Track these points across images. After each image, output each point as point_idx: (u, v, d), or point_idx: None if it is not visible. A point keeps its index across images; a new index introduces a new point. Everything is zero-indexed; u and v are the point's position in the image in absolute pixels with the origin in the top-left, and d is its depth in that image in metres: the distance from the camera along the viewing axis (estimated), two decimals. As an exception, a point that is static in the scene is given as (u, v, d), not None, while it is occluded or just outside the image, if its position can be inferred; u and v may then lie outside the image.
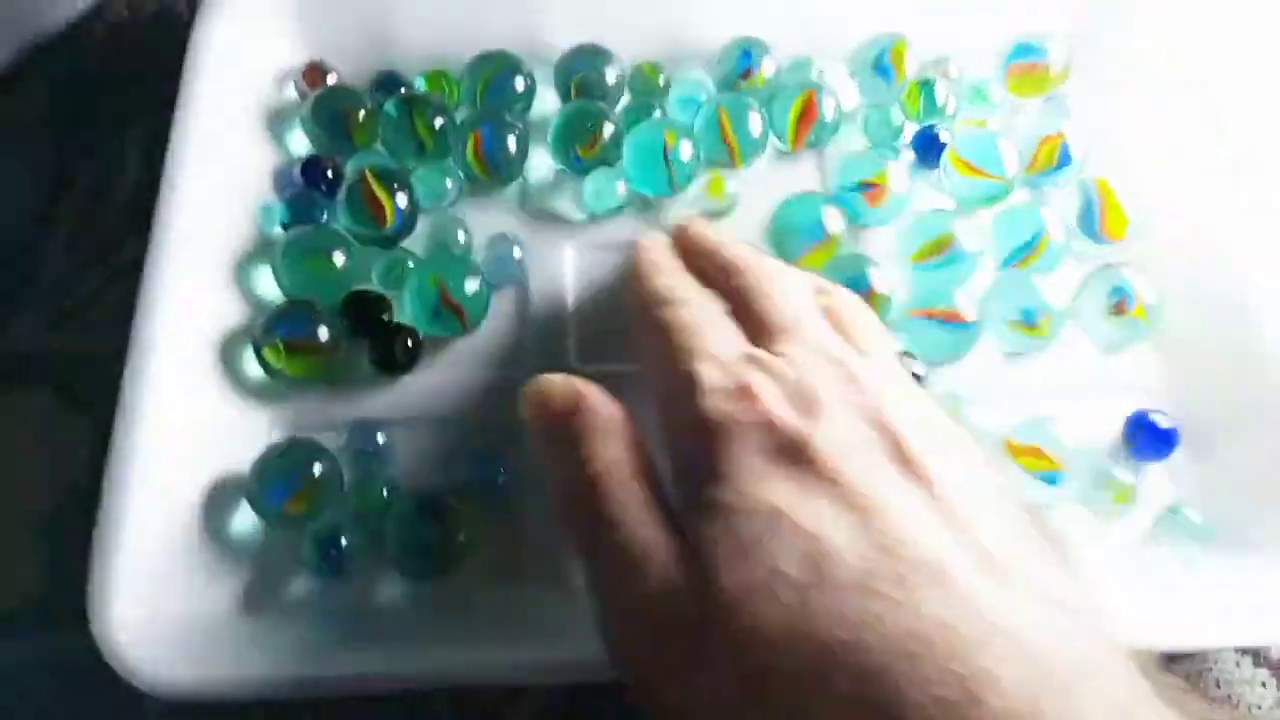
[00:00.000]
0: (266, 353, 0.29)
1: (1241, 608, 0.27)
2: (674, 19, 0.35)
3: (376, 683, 0.25)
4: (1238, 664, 0.28)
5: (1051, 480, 0.28)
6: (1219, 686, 0.28)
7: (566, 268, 0.32)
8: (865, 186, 0.31)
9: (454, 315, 0.30)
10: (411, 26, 0.34)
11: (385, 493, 0.28)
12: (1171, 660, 0.28)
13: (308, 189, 0.32)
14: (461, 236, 0.32)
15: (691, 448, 0.22)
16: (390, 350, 0.30)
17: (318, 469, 0.27)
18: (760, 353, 0.23)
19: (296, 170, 0.32)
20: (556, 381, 0.24)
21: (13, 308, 0.32)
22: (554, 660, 0.25)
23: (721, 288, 0.26)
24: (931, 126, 0.33)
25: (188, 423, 0.28)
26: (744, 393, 0.21)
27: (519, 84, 0.34)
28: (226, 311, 0.30)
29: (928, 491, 0.20)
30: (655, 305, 0.25)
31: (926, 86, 0.34)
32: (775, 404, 0.21)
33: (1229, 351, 0.30)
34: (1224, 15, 0.34)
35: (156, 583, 0.26)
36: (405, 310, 0.30)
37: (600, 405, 0.23)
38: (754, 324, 0.24)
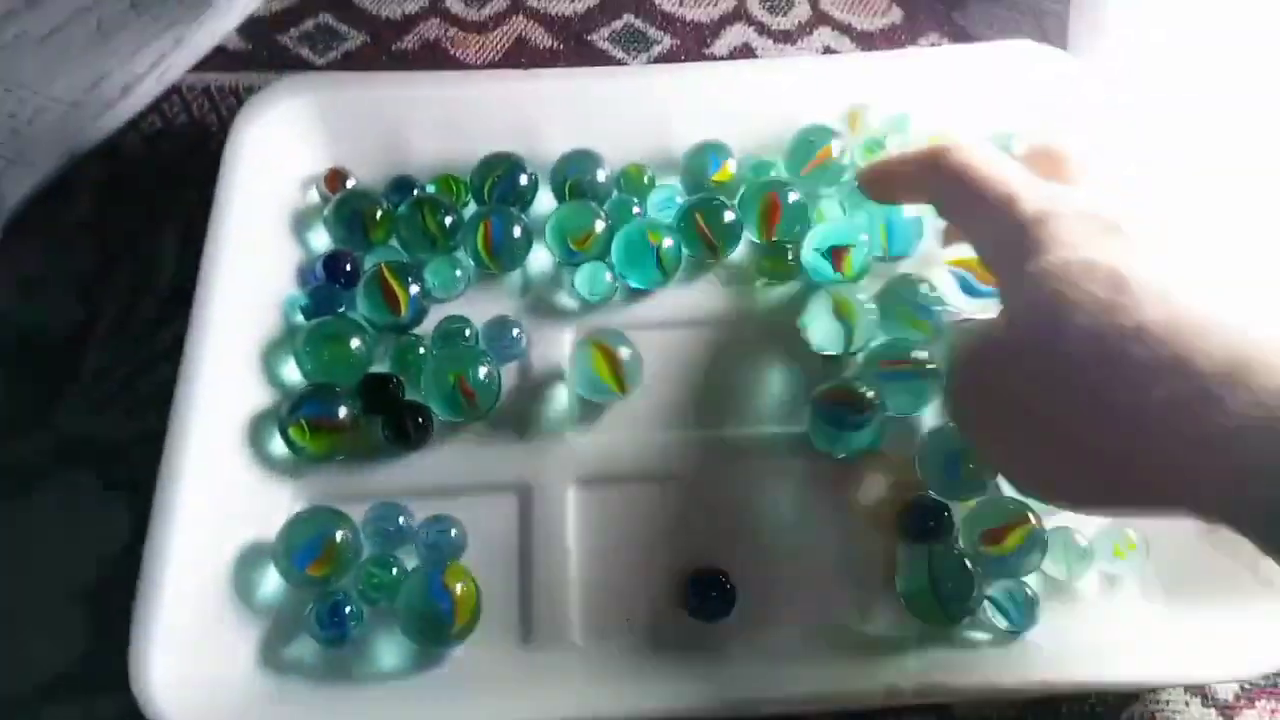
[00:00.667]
0: (292, 432, 0.32)
1: (1188, 648, 0.29)
2: (651, 127, 0.39)
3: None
4: (1186, 703, 0.31)
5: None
6: (1170, 725, 0.30)
7: (565, 350, 0.35)
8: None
9: (469, 401, 0.33)
10: (423, 135, 0.38)
11: (395, 571, 0.30)
12: (1124, 700, 0.30)
13: (328, 282, 0.35)
14: (468, 332, 0.35)
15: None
16: (404, 426, 0.32)
17: (339, 536, 0.30)
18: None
19: (319, 265, 0.35)
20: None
21: (58, 395, 0.35)
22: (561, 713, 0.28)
23: None
24: None
25: (219, 497, 0.30)
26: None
27: (523, 180, 0.37)
28: (254, 395, 0.33)
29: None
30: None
31: (875, 146, 0.38)
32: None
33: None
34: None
35: (191, 645, 0.28)
36: (424, 397, 0.33)
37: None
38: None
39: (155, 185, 0.40)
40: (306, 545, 0.30)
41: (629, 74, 0.41)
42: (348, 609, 0.29)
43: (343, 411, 0.32)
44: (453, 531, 0.31)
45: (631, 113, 0.38)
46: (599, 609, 0.31)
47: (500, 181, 0.37)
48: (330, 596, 0.30)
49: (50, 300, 0.37)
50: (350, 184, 0.37)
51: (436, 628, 0.29)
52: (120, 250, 0.38)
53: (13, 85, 0.41)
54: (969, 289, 0.35)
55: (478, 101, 0.38)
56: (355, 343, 0.33)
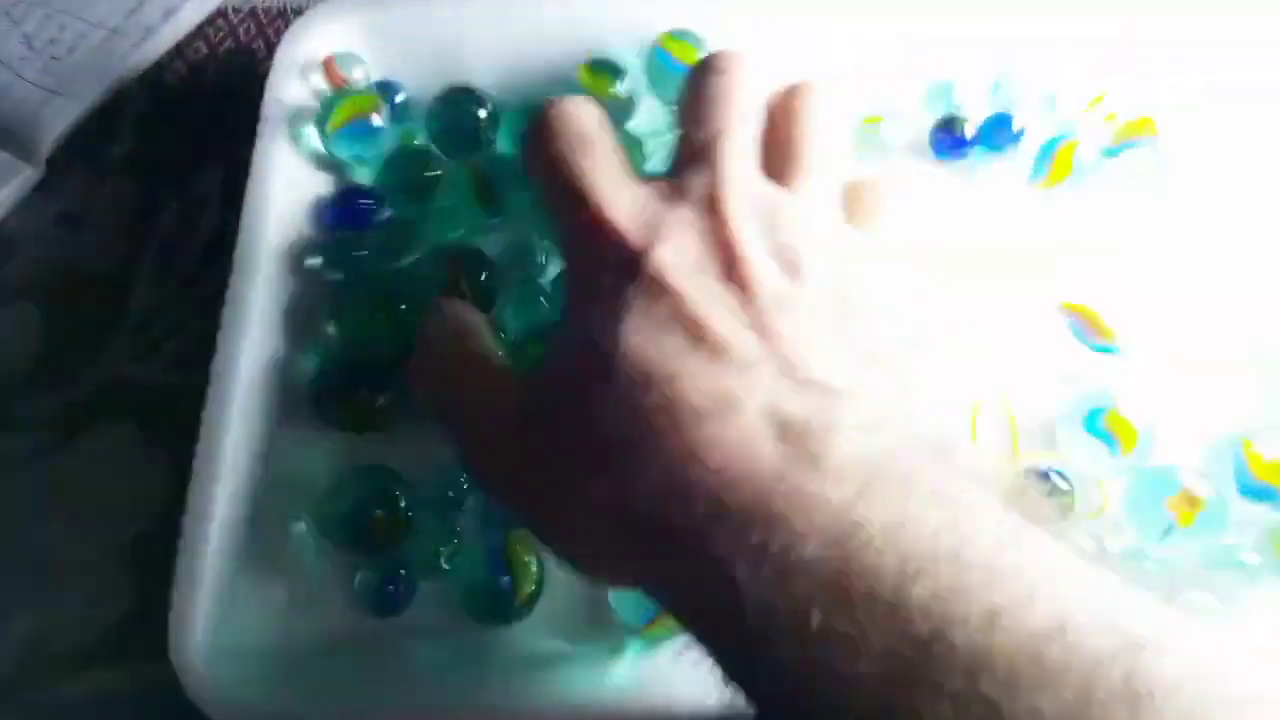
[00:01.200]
0: (335, 410, 0.29)
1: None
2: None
3: (446, 715, 0.25)
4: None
5: None
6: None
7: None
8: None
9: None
10: (482, 55, 0.34)
11: (456, 540, 0.28)
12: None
13: (340, 227, 0.31)
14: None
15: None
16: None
17: (390, 501, 0.27)
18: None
19: (328, 212, 0.32)
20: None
21: (100, 342, 0.33)
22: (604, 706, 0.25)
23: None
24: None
25: (264, 457, 0.28)
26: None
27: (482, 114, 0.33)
28: (301, 344, 0.30)
29: (740, 299, 0.21)
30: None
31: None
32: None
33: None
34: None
35: (234, 614, 0.26)
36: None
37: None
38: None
39: (200, 117, 0.37)
40: (353, 511, 0.27)
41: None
42: (400, 576, 0.27)
43: (381, 391, 0.29)
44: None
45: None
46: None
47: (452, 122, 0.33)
48: (383, 566, 0.27)
49: (93, 238, 0.35)
50: (400, 98, 0.34)
51: (496, 603, 0.27)
52: (164, 186, 0.36)
53: (52, 10, 0.38)
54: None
55: (540, 19, 0.34)
56: (393, 311, 0.30)
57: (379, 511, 0.27)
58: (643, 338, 0.20)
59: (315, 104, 0.33)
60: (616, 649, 0.26)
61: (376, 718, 0.25)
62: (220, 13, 0.40)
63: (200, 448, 0.27)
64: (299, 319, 0.31)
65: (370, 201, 0.31)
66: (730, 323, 0.21)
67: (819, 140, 0.25)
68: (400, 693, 0.25)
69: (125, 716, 0.28)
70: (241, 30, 0.40)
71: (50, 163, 0.36)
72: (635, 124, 0.34)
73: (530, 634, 0.27)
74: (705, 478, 0.19)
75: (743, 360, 0.20)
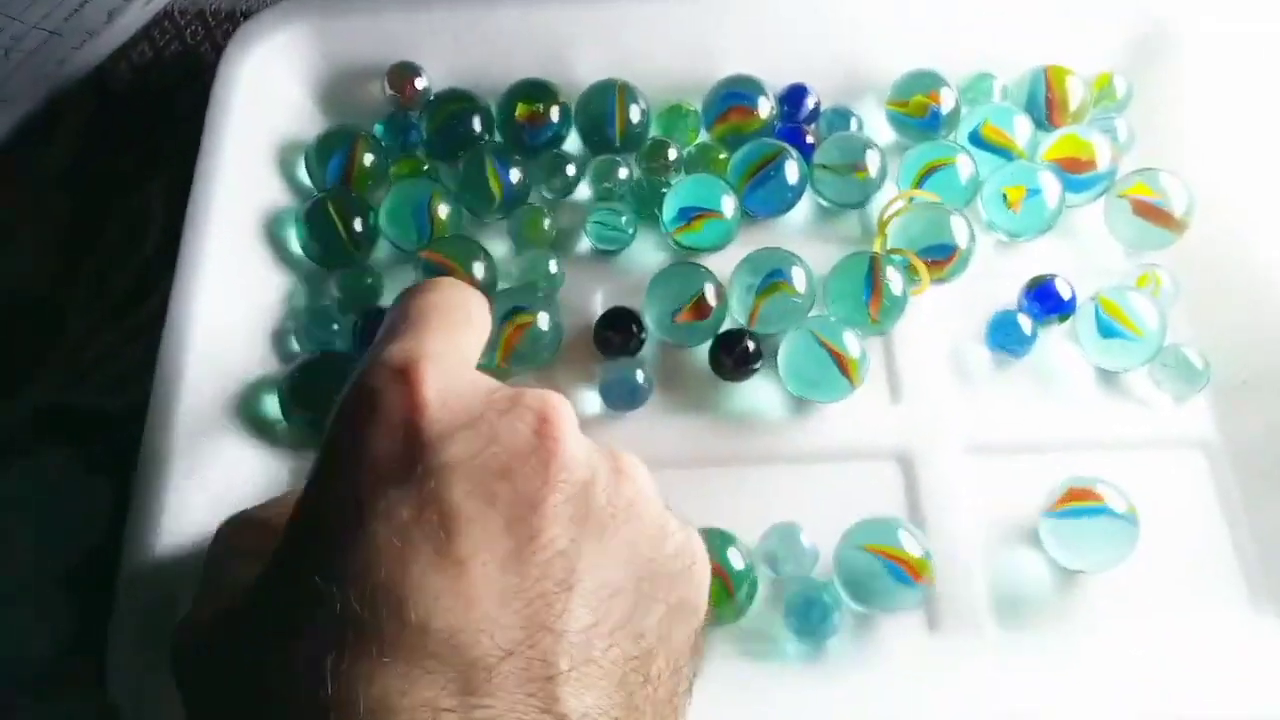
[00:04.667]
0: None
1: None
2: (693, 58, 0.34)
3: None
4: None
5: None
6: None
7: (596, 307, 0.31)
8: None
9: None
10: (436, 63, 0.34)
11: None
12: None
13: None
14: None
15: None
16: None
17: None
18: None
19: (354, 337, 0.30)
20: None
21: (34, 366, 0.32)
22: None
23: None
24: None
25: (207, 481, 0.27)
26: None
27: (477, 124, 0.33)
28: (249, 365, 0.29)
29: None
30: None
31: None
32: None
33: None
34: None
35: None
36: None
37: None
38: None
39: (144, 124, 0.36)
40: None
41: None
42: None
43: None
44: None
45: (672, 40, 0.34)
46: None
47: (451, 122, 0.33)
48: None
49: (27, 254, 0.34)
50: (420, 84, 0.34)
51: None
52: (105, 198, 0.35)
53: (-12, 11, 0.37)
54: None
55: (496, 27, 0.34)
56: None
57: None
58: None
59: (262, 109, 0.32)
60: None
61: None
62: (166, 14, 0.38)
63: (139, 475, 0.26)
64: (243, 340, 0.30)
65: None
66: None
67: None
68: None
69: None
70: (189, 33, 0.38)
71: (-16, 172, 0.35)
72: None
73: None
74: None
75: None
